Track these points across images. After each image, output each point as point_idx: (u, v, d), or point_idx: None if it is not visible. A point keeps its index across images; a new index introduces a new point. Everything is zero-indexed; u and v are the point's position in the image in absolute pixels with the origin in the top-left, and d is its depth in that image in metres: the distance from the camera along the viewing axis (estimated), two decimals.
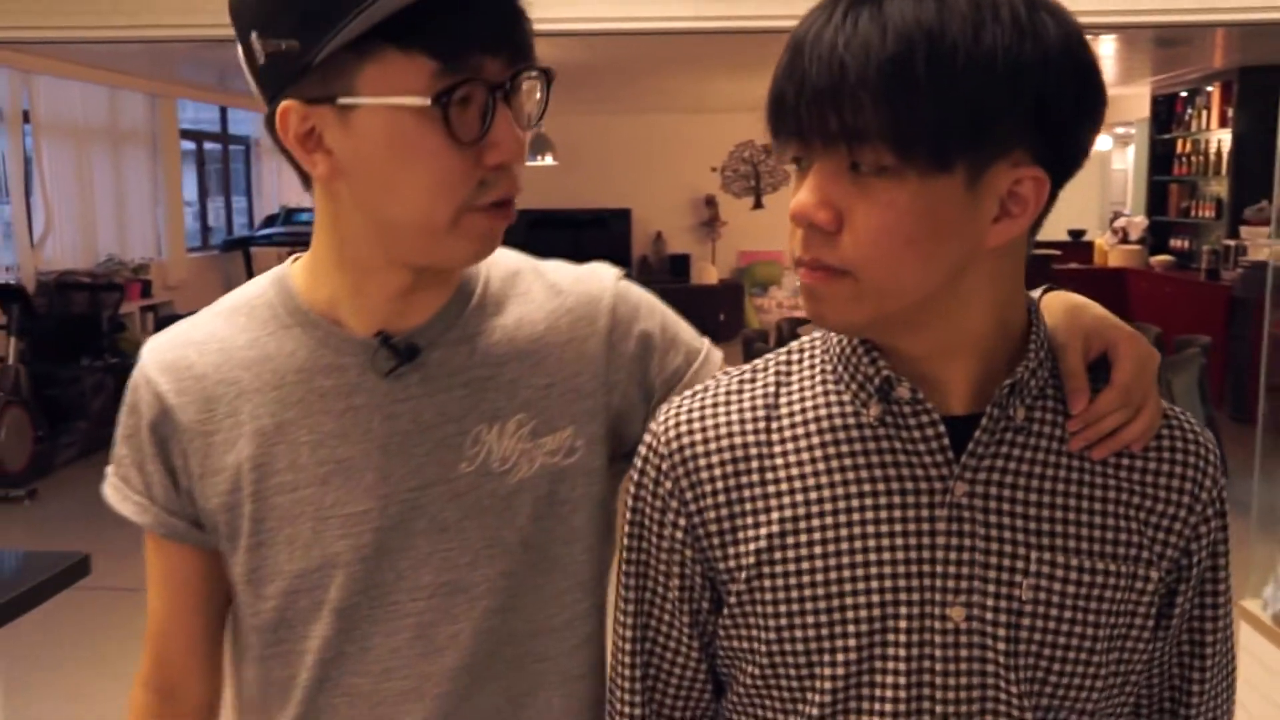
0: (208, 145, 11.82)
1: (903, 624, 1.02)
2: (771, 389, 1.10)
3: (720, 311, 12.39)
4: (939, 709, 1.02)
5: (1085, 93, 0.96)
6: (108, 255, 9.28)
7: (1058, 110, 0.93)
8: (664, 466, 1.10)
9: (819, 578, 1.03)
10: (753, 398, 1.10)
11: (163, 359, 1.21)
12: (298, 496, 1.17)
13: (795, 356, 1.12)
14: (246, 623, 1.24)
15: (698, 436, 1.09)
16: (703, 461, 1.08)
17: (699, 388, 1.14)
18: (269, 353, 1.19)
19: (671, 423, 1.11)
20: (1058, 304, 1.11)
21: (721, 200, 14.04)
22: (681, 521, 1.09)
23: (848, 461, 1.05)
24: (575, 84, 10.24)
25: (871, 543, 1.03)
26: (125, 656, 3.46)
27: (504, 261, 1.27)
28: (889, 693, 1.03)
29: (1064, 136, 0.96)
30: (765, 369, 1.12)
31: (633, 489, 1.14)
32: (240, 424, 1.18)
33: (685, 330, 1.31)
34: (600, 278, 1.29)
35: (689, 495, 1.08)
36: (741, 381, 1.12)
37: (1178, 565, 1.07)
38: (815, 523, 1.04)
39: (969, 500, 1.02)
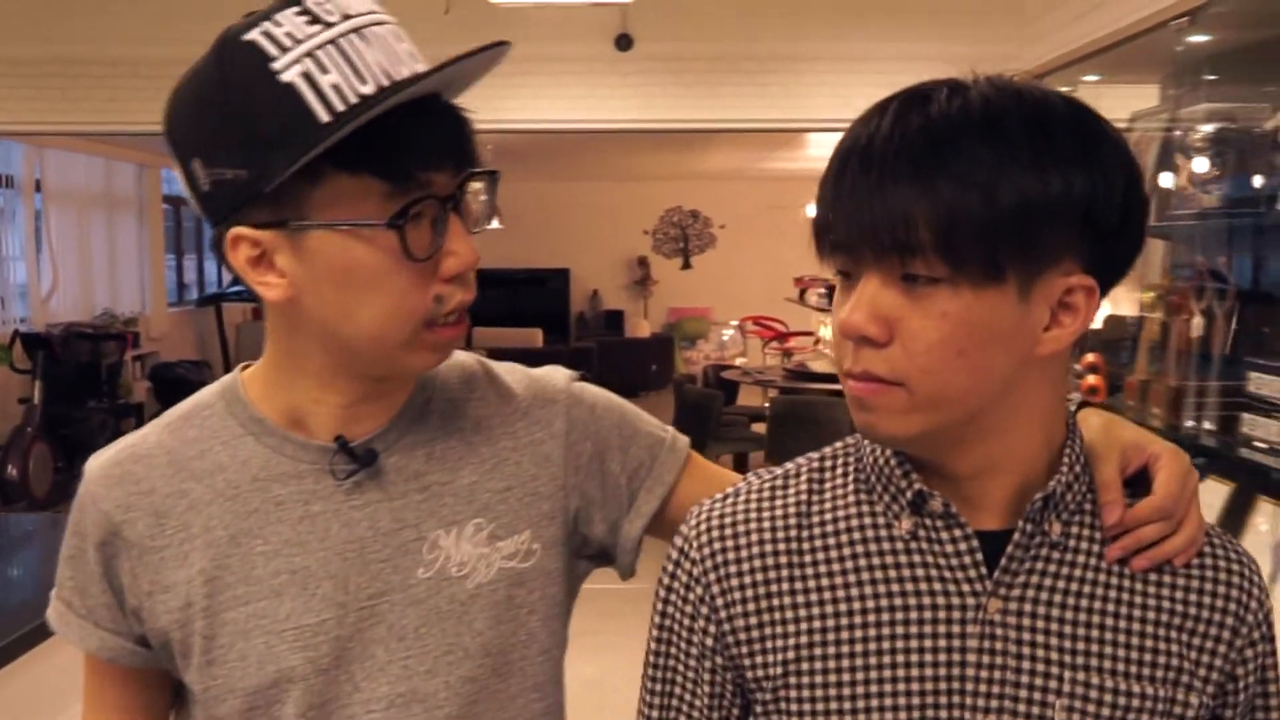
0: (184, 209, 12.55)
1: None
2: (804, 497, 1.06)
3: (652, 362, 13.12)
4: None
5: (1131, 202, 0.93)
6: (103, 309, 10.08)
7: (1106, 221, 0.91)
8: (695, 572, 1.05)
9: (845, 691, 0.99)
10: (784, 505, 1.06)
11: (109, 475, 1.15)
12: (251, 610, 1.11)
13: (829, 464, 1.08)
14: None
15: (729, 543, 1.04)
16: (733, 569, 1.04)
17: (730, 491, 1.09)
18: (221, 463, 1.13)
19: (703, 528, 1.06)
20: (1094, 419, 1.06)
21: (653, 260, 14.82)
22: (711, 629, 1.04)
23: (879, 574, 1.00)
24: (518, 155, 11.10)
25: (900, 658, 0.99)
26: None
27: (460, 364, 1.23)
28: None
29: (1112, 245, 0.93)
30: (798, 475, 1.08)
31: (661, 593, 1.09)
32: (192, 537, 1.12)
33: (646, 422, 1.27)
34: (554, 381, 1.25)
35: (719, 602, 1.04)
36: (774, 488, 1.07)
37: (1223, 690, 1.01)
38: (845, 635, 1.00)
39: (1002, 617, 0.98)
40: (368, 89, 0.99)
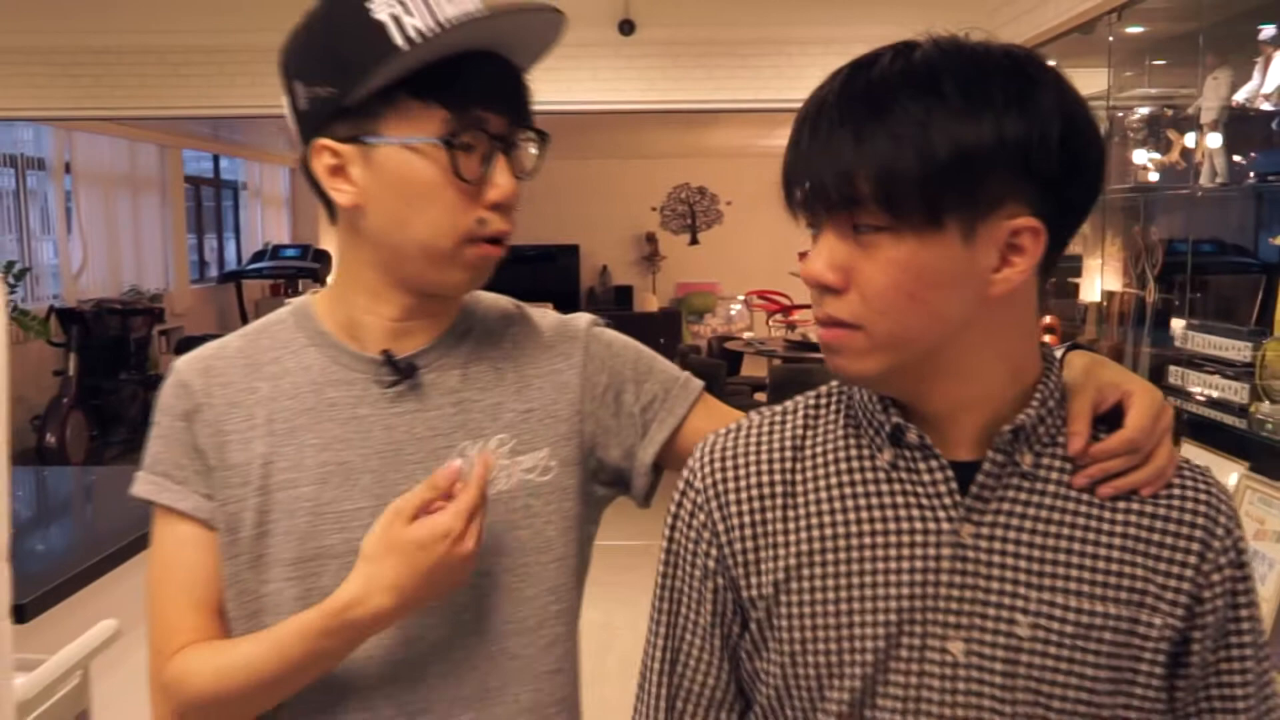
0: (203, 188, 12.86)
1: (904, 653, 1.02)
2: (799, 431, 1.11)
3: (660, 336, 13.14)
4: None
5: (1075, 147, 0.95)
6: (130, 286, 10.39)
7: (1046, 165, 0.93)
8: (699, 500, 1.11)
9: (830, 608, 1.04)
10: (781, 439, 1.11)
11: (194, 366, 1.30)
12: (299, 493, 1.24)
13: (823, 402, 1.13)
14: (244, 609, 1.26)
15: (729, 473, 1.10)
16: (732, 496, 1.09)
17: (732, 426, 1.15)
18: (288, 368, 1.28)
19: (707, 459, 1.12)
20: (1078, 360, 1.10)
21: (661, 237, 14.88)
22: (713, 551, 1.10)
23: (861, 501, 1.05)
24: None
25: (880, 578, 1.03)
26: None
27: (499, 305, 1.37)
28: (890, 718, 1.03)
29: (1058, 189, 0.95)
30: (795, 412, 1.13)
31: (669, 520, 1.15)
32: (256, 426, 1.26)
33: (661, 363, 1.38)
34: (578, 322, 1.38)
35: (720, 527, 1.09)
36: (772, 423, 1.13)
37: (1191, 613, 1.03)
38: (830, 556, 1.05)
39: (974, 541, 1.02)
40: (439, 29, 1.15)
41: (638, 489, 1.35)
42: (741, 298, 13.41)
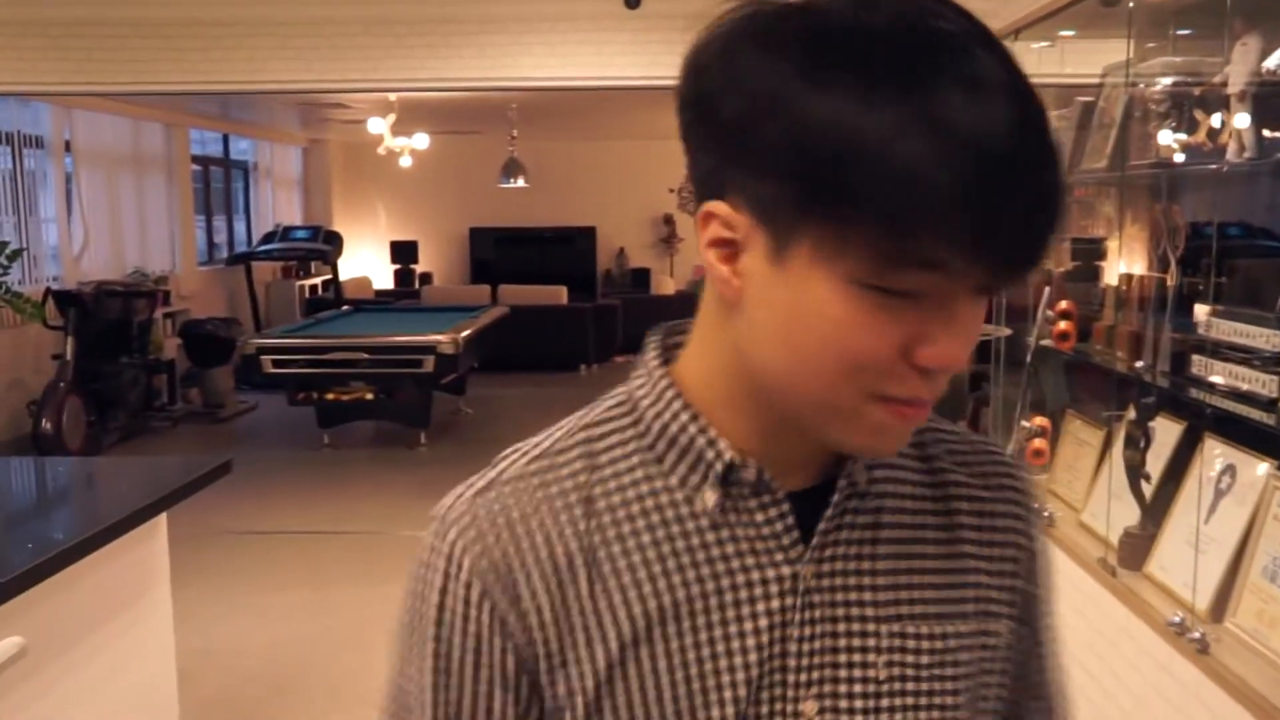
0: (212, 169, 12.88)
1: None
2: (581, 476, 0.89)
3: (677, 319, 13.24)
4: None
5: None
6: (134, 268, 10.34)
7: None
8: (478, 588, 0.86)
9: (669, 696, 0.86)
10: (562, 489, 0.89)
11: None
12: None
13: (597, 433, 0.91)
14: None
15: (510, 547, 0.87)
16: (521, 576, 0.86)
17: (486, 481, 0.90)
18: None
19: (469, 527, 0.88)
20: None
21: (678, 219, 14.94)
22: (511, 659, 0.87)
23: (685, 559, 0.87)
24: (545, 114, 11.34)
25: (720, 647, 0.87)
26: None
27: None
28: None
29: None
30: (569, 449, 0.91)
31: (432, 629, 0.88)
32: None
33: None
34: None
35: (513, 621, 0.86)
36: (544, 475, 0.89)
37: (1021, 611, 0.98)
38: (659, 638, 0.86)
39: (817, 582, 0.88)
40: None
41: None
42: None
